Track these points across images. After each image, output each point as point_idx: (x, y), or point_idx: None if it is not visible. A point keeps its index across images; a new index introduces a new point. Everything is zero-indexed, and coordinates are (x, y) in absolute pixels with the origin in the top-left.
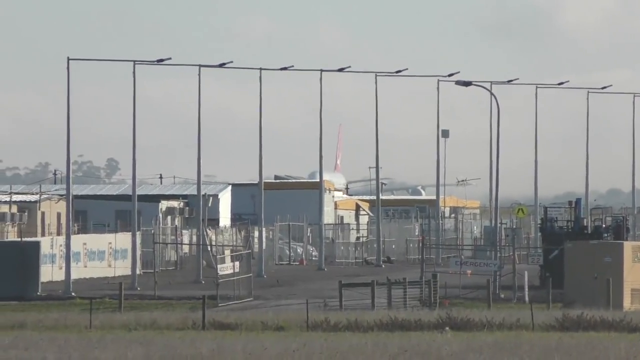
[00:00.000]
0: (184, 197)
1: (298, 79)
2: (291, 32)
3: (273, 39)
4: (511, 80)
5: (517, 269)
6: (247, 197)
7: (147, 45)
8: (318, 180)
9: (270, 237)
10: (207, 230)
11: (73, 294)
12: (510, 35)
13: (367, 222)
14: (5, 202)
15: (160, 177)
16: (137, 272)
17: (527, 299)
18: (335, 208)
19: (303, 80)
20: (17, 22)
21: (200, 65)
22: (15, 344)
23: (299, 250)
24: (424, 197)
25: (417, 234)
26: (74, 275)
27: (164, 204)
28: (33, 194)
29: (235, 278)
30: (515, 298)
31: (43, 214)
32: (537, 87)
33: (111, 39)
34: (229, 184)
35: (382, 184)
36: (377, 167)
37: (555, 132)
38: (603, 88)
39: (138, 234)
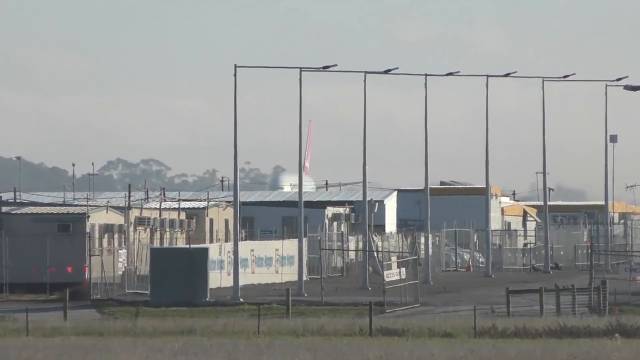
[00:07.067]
0: (350, 203)
1: (460, 84)
2: (449, 36)
3: (430, 44)
4: None
5: None
6: (412, 202)
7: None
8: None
9: (437, 243)
10: (373, 236)
11: (241, 299)
12: None
13: (535, 228)
14: (174, 209)
15: (326, 184)
16: (304, 278)
17: None
18: (502, 214)
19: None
20: (186, 31)
21: (366, 72)
22: (185, 349)
23: (465, 257)
24: (592, 202)
25: (585, 240)
26: (242, 281)
27: (330, 210)
28: (201, 201)
29: (401, 284)
30: None
31: (211, 220)
32: None
33: (273, 46)
34: (395, 189)
35: (550, 189)
36: (544, 172)
37: None
38: None
39: (305, 241)
